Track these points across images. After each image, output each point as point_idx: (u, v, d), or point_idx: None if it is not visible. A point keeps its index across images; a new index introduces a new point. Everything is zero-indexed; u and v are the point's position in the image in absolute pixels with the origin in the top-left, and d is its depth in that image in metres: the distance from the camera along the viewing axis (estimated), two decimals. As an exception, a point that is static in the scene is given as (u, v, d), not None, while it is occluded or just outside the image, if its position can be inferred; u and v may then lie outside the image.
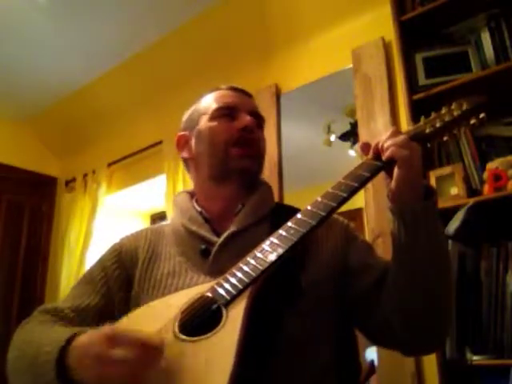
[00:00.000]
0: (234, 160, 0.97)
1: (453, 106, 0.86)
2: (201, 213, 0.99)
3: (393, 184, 0.80)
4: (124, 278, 0.96)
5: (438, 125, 0.85)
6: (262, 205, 0.98)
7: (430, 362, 1.64)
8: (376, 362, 1.82)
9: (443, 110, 0.87)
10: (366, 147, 0.86)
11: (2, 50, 2.89)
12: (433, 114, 0.87)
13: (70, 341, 0.73)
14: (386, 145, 0.81)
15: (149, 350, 0.67)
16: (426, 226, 0.79)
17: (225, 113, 1.01)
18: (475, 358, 1.50)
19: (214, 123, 1.00)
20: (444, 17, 1.88)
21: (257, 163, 1.01)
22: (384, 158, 0.81)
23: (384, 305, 0.84)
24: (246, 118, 0.99)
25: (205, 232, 0.95)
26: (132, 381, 0.66)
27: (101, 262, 1.00)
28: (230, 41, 2.70)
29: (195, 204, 1.02)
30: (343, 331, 0.91)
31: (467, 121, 0.85)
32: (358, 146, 2.29)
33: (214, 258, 0.90)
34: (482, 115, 0.84)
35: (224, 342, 0.71)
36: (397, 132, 0.83)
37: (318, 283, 0.87)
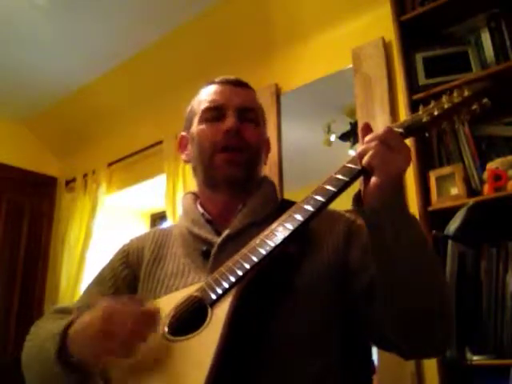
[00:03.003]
0: (218, 168, 0.95)
1: (454, 93, 0.83)
2: (203, 214, 0.99)
3: (368, 186, 0.77)
4: (131, 279, 0.98)
5: (435, 113, 0.82)
6: (263, 204, 0.98)
7: (430, 362, 1.64)
8: (376, 362, 1.82)
9: (443, 98, 0.83)
10: (365, 129, 0.82)
11: (1, 50, 2.89)
12: (432, 103, 0.84)
13: (72, 322, 0.80)
14: (358, 151, 0.79)
15: (145, 317, 0.72)
16: (393, 229, 0.76)
17: (212, 114, 0.98)
18: (475, 358, 1.50)
19: (202, 126, 0.99)
20: (444, 17, 1.88)
21: (243, 169, 0.97)
22: (360, 165, 0.78)
23: (377, 306, 0.82)
24: (229, 121, 0.96)
25: (206, 233, 0.95)
26: (129, 345, 0.71)
27: (110, 263, 1.02)
28: (230, 41, 2.70)
29: (198, 206, 1.02)
30: (349, 330, 0.88)
31: (468, 107, 0.82)
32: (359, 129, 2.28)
33: (213, 258, 0.91)
34: (484, 100, 0.81)
35: (206, 342, 0.72)
36: (373, 138, 0.78)
37: (316, 281, 0.86)
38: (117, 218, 3.53)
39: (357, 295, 0.86)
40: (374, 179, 0.76)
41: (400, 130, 0.81)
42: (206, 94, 1.02)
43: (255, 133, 1.00)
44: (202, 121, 1.00)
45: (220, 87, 1.03)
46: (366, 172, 0.78)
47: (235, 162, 0.96)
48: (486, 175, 1.64)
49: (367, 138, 0.78)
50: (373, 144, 0.76)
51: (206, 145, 0.97)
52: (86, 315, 0.78)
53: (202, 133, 0.98)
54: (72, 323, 0.80)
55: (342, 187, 0.78)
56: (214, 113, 0.99)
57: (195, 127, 1.01)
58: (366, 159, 0.76)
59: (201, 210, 1.01)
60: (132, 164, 3.21)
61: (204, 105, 1.00)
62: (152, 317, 0.73)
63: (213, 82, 1.05)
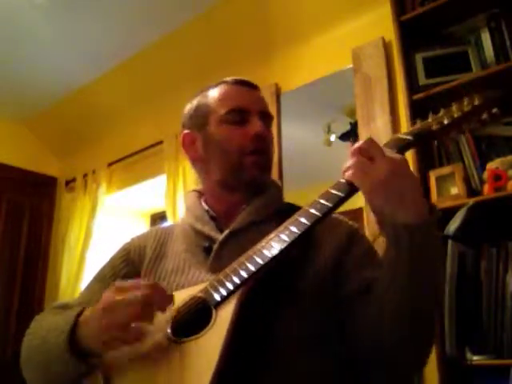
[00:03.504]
0: (247, 170, 0.95)
1: (465, 102, 0.82)
2: (207, 211, 1.00)
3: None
4: (132, 276, 0.98)
5: (445, 122, 0.80)
6: (267, 205, 0.98)
7: (430, 362, 1.63)
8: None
9: (454, 106, 0.82)
10: None
11: (1, 49, 2.89)
12: (442, 111, 0.83)
13: (79, 315, 0.81)
14: (343, 169, 0.77)
15: (156, 290, 0.74)
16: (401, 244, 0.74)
17: (235, 118, 0.97)
18: (475, 357, 1.50)
19: (225, 129, 0.97)
20: (444, 17, 1.88)
21: (267, 173, 1.00)
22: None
23: (373, 308, 0.79)
24: (257, 125, 0.96)
25: (209, 230, 0.95)
26: (141, 318, 0.71)
27: (111, 261, 1.03)
28: (230, 41, 2.70)
29: (203, 203, 1.02)
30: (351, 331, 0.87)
31: (478, 116, 0.81)
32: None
33: (214, 255, 0.91)
34: (494, 110, 0.80)
35: (210, 344, 0.71)
36: (354, 152, 0.76)
37: (317, 283, 0.86)
38: (117, 218, 3.53)
39: (348, 296, 0.85)
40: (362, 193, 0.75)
41: (409, 137, 0.81)
42: (225, 95, 1.00)
43: (272, 138, 1.02)
44: (224, 123, 0.97)
45: (238, 88, 1.01)
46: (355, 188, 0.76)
47: (262, 166, 0.97)
48: (486, 175, 1.64)
49: (351, 152, 0.76)
50: (354, 160, 0.75)
51: (232, 147, 0.96)
52: (90, 309, 0.79)
53: (226, 135, 0.97)
54: (79, 315, 0.81)
55: (338, 203, 0.77)
56: (238, 115, 0.97)
57: (214, 129, 0.98)
58: (346, 175, 0.75)
59: (205, 206, 1.01)
60: (132, 164, 3.21)
61: (226, 107, 0.98)
62: (155, 295, 0.74)
63: (225, 82, 1.03)
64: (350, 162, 0.76)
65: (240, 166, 0.95)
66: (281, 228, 0.81)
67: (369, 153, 0.74)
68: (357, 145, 0.76)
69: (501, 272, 1.54)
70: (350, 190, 0.77)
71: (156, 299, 0.73)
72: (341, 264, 0.88)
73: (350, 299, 0.84)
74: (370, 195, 0.74)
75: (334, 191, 0.78)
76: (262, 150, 0.97)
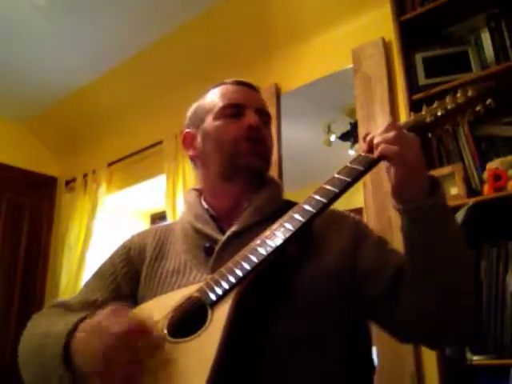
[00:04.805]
0: (242, 155, 0.96)
1: (458, 93, 0.83)
2: (207, 210, 0.99)
3: (391, 180, 0.80)
4: (132, 275, 0.98)
5: (439, 113, 0.82)
6: (268, 203, 0.97)
7: (430, 362, 1.64)
8: (376, 362, 1.82)
9: (447, 98, 0.84)
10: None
11: (2, 50, 2.89)
12: (436, 103, 0.84)
13: (77, 324, 0.78)
14: (375, 141, 0.80)
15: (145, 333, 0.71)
16: (431, 222, 0.78)
17: (231, 112, 0.99)
18: (475, 357, 1.50)
19: (221, 122, 0.99)
20: (444, 17, 1.88)
21: (264, 161, 1.00)
22: (375, 155, 0.80)
23: (403, 302, 0.82)
24: (252, 117, 0.98)
25: (210, 230, 0.95)
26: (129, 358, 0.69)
27: (111, 259, 1.02)
28: (230, 41, 2.70)
29: (203, 201, 1.02)
30: (352, 331, 0.88)
31: (472, 108, 0.82)
32: (361, 139, 2.28)
33: (216, 256, 0.90)
34: (488, 101, 0.82)
35: (206, 344, 0.71)
36: (390, 126, 0.80)
37: (316, 283, 0.85)
38: (117, 218, 3.53)
39: (376, 296, 0.85)
40: (393, 169, 0.78)
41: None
42: (222, 93, 1.03)
43: (269, 135, 1.03)
44: (220, 117, 0.99)
45: (236, 87, 1.04)
46: (381, 160, 0.79)
47: (258, 153, 0.97)
48: (486, 175, 1.64)
49: (383, 128, 0.80)
50: (392, 133, 0.78)
51: (226, 138, 0.97)
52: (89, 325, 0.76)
53: (221, 127, 0.99)
54: (76, 326, 0.78)
55: (358, 176, 0.80)
56: (233, 110, 0.99)
57: (210, 123, 1.00)
58: (383, 146, 0.78)
59: (205, 205, 1.01)
60: (132, 164, 3.21)
61: (222, 102, 1.00)
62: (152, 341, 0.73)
63: (225, 83, 1.05)
64: (387, 135, 0.78)
65: (234, 153, 0.96)
66: (275, 225, 0.81)
67: (399, 141, 0.78)
68: (392, 124, 0.80)
69: (501, 272, 1.53)
70: (376, 160, 0.80)
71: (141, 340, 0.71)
72: (354, 267, 0.88)
73: (385, 293, 0.85)
74: (399, 173, 0.77)
75: (356, 166, 0.81)
76: (256, 138, 0.97)
